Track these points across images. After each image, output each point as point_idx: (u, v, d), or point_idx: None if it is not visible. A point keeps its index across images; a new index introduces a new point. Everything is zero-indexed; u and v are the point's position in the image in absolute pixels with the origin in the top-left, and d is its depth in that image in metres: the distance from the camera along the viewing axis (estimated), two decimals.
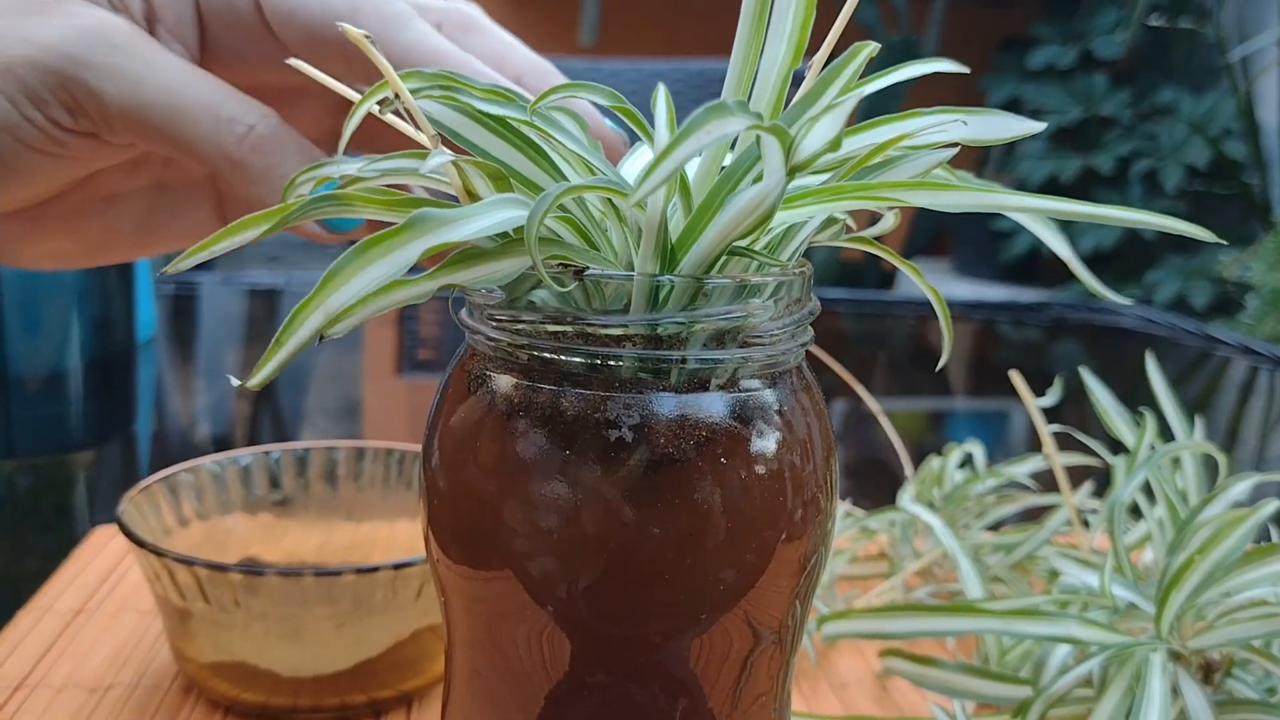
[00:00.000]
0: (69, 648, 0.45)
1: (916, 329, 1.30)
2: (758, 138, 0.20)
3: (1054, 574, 0.47)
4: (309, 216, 0.23)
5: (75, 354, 0.80)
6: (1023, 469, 0.53)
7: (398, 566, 0.38)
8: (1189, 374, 1.10)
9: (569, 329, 0.23)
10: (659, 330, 0.23)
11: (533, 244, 0.20)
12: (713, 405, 0.24)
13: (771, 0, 0.23)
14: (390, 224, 0.21)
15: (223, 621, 0.39)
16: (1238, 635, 0.36)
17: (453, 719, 0.28)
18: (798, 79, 0.25)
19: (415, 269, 0.21)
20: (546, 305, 0.24)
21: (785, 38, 0.23)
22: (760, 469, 0.24)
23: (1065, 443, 0.52)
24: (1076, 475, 0.53)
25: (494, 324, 0.24)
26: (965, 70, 0.25)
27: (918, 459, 0.57)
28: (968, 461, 0.56)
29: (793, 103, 0.23)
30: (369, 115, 0.25)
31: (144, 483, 0.44)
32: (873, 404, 0.58)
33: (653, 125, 0.24)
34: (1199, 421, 0.51)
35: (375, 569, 0.38)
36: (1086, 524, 0.53)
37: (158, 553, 0.39)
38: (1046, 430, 0.50)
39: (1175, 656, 0.37)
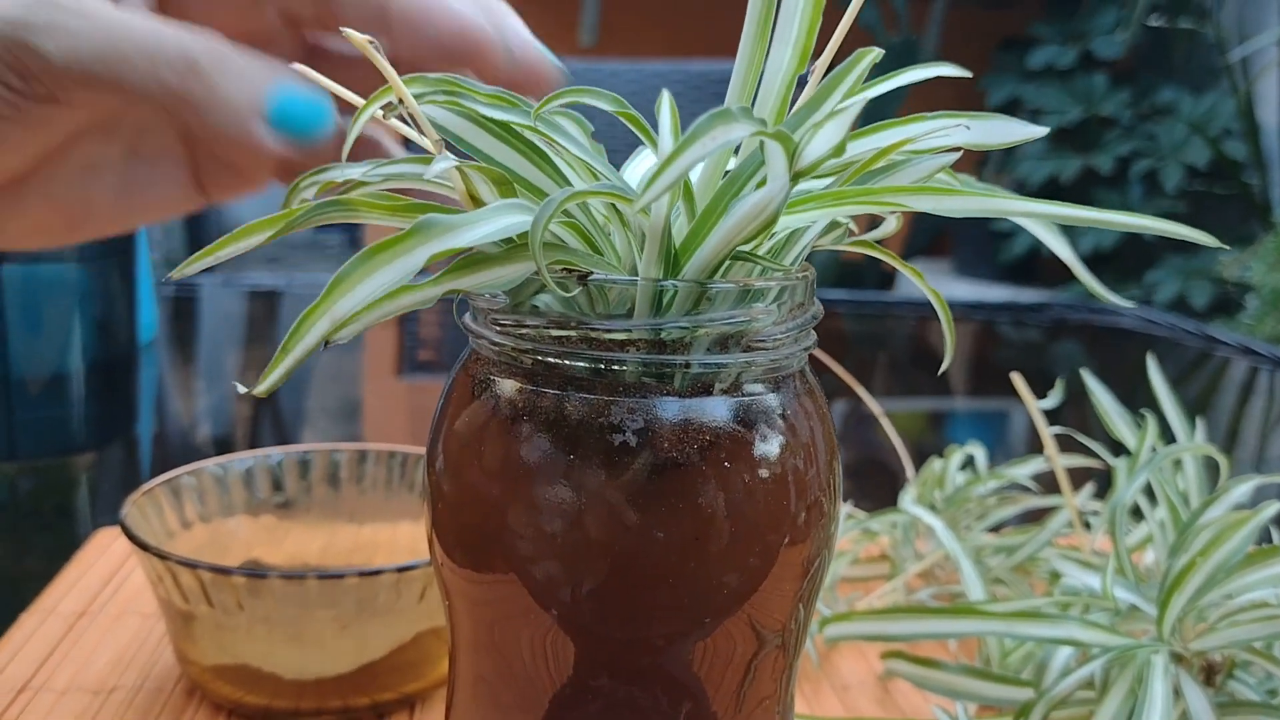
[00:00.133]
0: (72, 650, 0.45)
1: (917, 330, 1.30)
2: (762, 143, 0.20)
3: (1055, 576, 0.47)
4: (313, 222, 0.23)
5: (77, 356, 0.80)
6: (1024, 471, 0.53)
7: (401, 570, 0.39)
8: (1189, 374, 1.10)
9: (573, 334, 0.23)
10: (663, 335, 0.23)
11: (537, 249, 0.20)
12: (716, 409, 0.24)
13: (777, 6, 0.23)
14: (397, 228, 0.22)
15: (226, 624, 0.39)
16: (1239, 637, 0.36)
17: None
18: (801, 82, 0.25)
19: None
20: (550, 310, 0.24)
21: (790, 43, 0.23)
22: (764, 473, 0.24)
23: (1066, 444, 0.52)
24: (1077, 477, 0.53)
25: (498, 328, 0.24)
26: (967, 74, 0.26)
27: (918, 460, 0.57)
28: (969, 463, 0.56)
29: (796, 108, 0.23)
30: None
31: (147, 485, 0.44)
32: (873, 405, 0.58)
33: (656, 130, 0.24)
34: (1200, 423, 0.51)
35: (378, 572, 0.38)
36: (1088, 526, 0.53)
37: (161, 555, 0.39)
38: (1048, 432, 0.51)
39: (1177, 658, 0.37)
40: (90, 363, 0.81)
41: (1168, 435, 0.50)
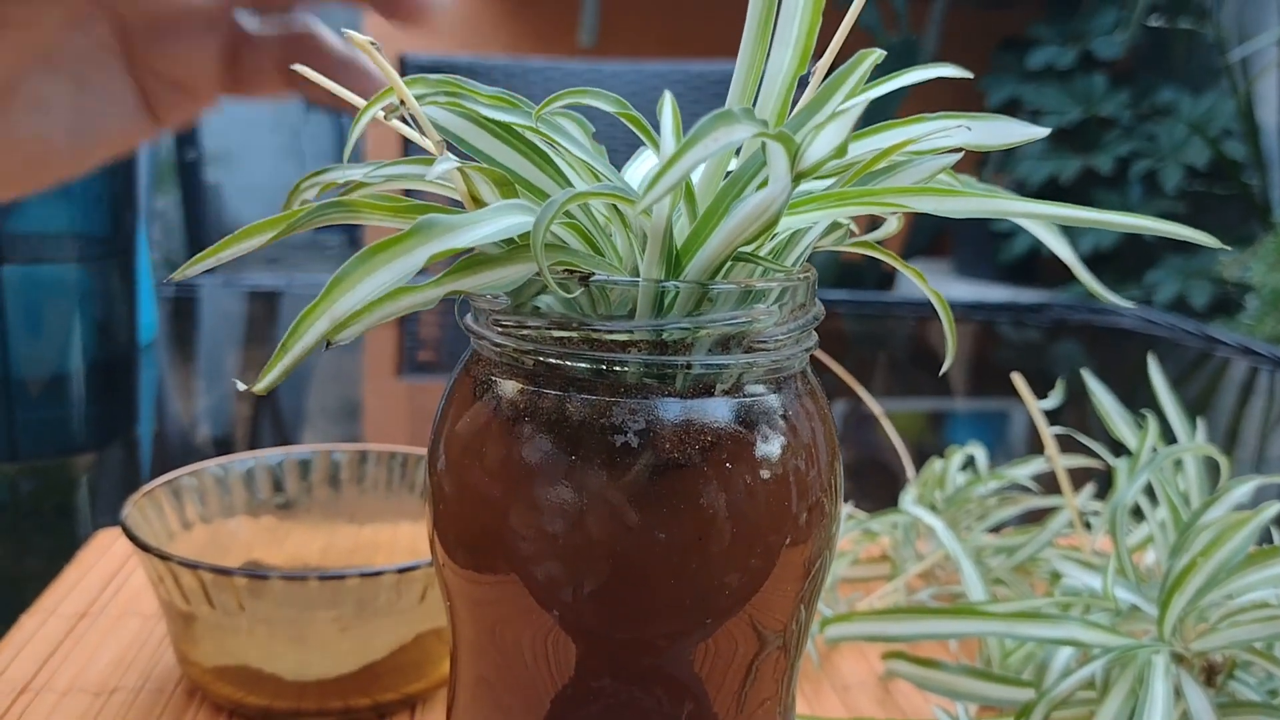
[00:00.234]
0: (73, 651, 0.45)
1: (916, 330, 1.30)
2: (763, 145, 0.20)
3: (1056, 576, 0.47)
4: (315, 223, 0.23)
5: (77, 357, 0.80)
6: (1024, 471, 0.53)
7: (402, 570, 0.39)
8: (1189, 375, 1.10)
9: (574, 334, 0.23)
10: (664, 335, 0.23)
11: (539, 250, 0.20)
12: (718, 410, 0.24)
13: (777, 7, 0.23)
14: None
15: (227, 625, 0.39)
16: (1240, 637, 0.36)
17: None
18: (802, 83, 0.25)
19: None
20: (552, 311, 0.24)
21: (791, 44, 0.23)
22: (765, 474, 0.24)
23: (1067, 445, 0.52)
24: (1078, 477, 0.53)
25: (499, 329, 0.24)
26: (968, 75, 0.26)
27: (918, 460, 0.57)
28: (970, 464, 0.56)
29: (797, 109, 0.23)
30: None
31: (147, 486, 0.44)
32: (874, 405, 0.58)
33: (658, 131, 0.24)
34: (1200, 423, 0.51)
35: (379, 573, 0.38)
36: (1088, 526, 0.53)
37: (162, 556, 0.39)
38: (1048, 432, 0.51)
39: (1178, 659, 0.37)
40: (90, 363, 0.81)
41: (1168, 435, 0.50)
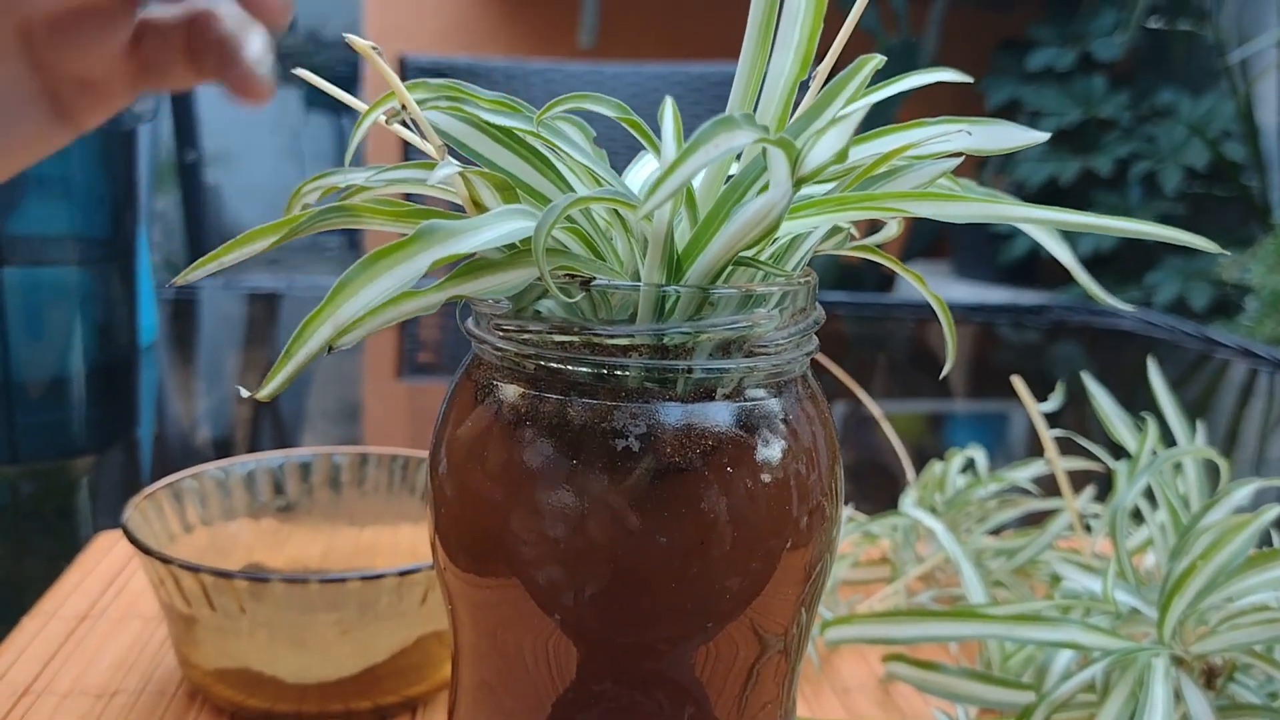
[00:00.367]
0: (74, 653, 0.45)
1: (916, 331, 1.30)
2: (764, 150, 0.20)
3: (1056, 579, 0.47)
4: (317, 228, 0.23)
5: (78, 359, 0.80)
6: (1024, 473, 0.54)
7: (403, 573, 0.39)
8: (1188, 376, 1.10)
9: (575, 339, 0.23)
10: (665, 340, 0.23)
11: (540, 255, 0.20)
12: (718, 414, 0.24)
13: (779, 12, 0.24)
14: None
15: (228, 628, 0.39)
16: (1240, 640, 0.36)
17: None
18: (803, 86, 0.25)
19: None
20: (553, 315, 0.24)
21: (792, 49, 0.23)
22: (766, 477, 0.24)
23: (1066, 447, 0.52)
24: (1078, 480, 0.53)
25: (501, 334, 0.25)
26: (969, 80, 0.26)
27: (918, 462, 0.57)
28: (969, 466, 0.56)
29: (798, 114, 0.24)
30: None
31: (149, 489, 0.44)
32: (873, 407, 0.58)
33: (659, 135, 0.24)
34: (1200, 426, 0.51)
35: (380, 575, 0.38)
36: (1088, 529, 0.53)
37: (163, 559, 0.39)
38: (1048, 435, 0.51)
39: (1178, 661, 0.37)
40: (91, 366, 0.81)
41: (1168, 438, 0.50)
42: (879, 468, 0.76)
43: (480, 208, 0.24)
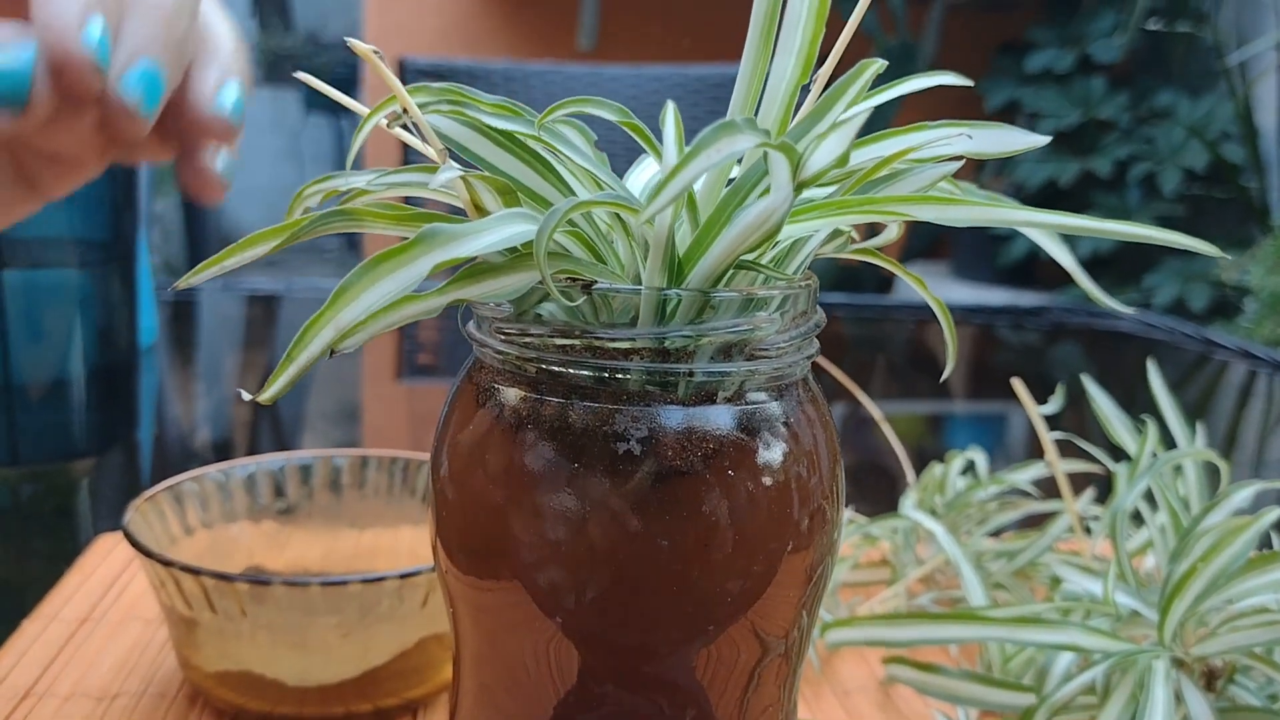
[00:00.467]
0: (75, 656, 0.45)
1: (915, 333, 1.30)
2: (765, 154, 0.21)
3: (1056, 581, 0.47)
4: (318, 232, 0.23)
5: (77, 361, 0.80)
6: (1024, 475, 0.54)
7: (404, 576, 0.39)
8: (1188, 378, 1.10)
9: (577, 342, 0.23)
10: (666, 343, 0.23)
11: (542, 259, 0.20)
12: (720, 418, 0.24)
13: (780, 16, 0.24)
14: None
15: (229, 630, 0.39)
16: (1240, 642, 0.36)
17: None
18: (803, 90, 0.25)
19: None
20: (554, 319, 0.24)
21: (794, 53, 0.23)
22: (767, 481, 0.24)
23: (1066, 449, 0.53)
24: (1078, 482, 0.53)
25: (502, 337, 0.25)
26: (969, 83, 0.26)
27: (918, 463, 0.57)
28: (970, 468, 0.56)
29: (799, 118, 0.24)
30: None
31: (149, 492, 0.44)
32: (873, 409, 0.58)
33: (660, 139, 0.24)
34: (1200, 427, 0.51)
35: (381, 578, 0.38)
36: (1089, 531, 0.53)
37: (164, 562, 0.39)
38: (1048, 437, 0.51)
39: (1178, 664, 0.37)
40: (91, 368, 0.81)
41: (1168, 440, 0.50)
42: (879, 469, 0.76)
43: (482, 211, 0.24)
